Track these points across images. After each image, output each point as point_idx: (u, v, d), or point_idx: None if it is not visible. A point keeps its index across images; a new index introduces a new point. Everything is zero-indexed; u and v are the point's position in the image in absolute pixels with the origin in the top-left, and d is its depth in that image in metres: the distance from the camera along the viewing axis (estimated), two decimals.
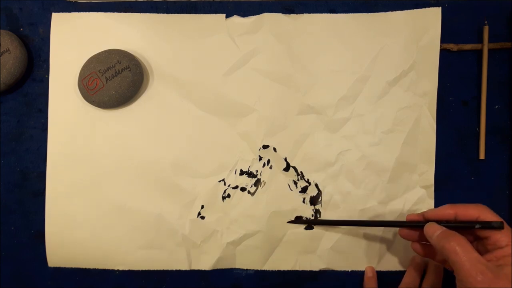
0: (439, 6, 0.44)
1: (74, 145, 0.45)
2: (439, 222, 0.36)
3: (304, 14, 0.45)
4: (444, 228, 0.35)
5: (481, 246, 0.35)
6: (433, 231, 0.35)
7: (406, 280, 0.43)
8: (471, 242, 0.35)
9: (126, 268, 0.46)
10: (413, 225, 0.39)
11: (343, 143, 0.45)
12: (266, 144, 0.45)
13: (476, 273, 0.31)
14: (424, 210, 0.44)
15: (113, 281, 0.46)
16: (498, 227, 0.33)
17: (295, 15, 0.45)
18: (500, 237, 0.33)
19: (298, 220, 0.45)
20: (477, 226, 0.34)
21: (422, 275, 0.43)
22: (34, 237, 0.46)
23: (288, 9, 0.46)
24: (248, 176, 0.45)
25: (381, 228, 0.45)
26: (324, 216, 0.45)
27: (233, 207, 0.45)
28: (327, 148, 0.45)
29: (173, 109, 0.45)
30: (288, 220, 0.45)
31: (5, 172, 0.46)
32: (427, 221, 0.38)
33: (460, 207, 0.36)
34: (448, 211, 0.36)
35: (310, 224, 0.45)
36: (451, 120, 0.45)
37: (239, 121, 0.45)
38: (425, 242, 0.39)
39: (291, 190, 0.45)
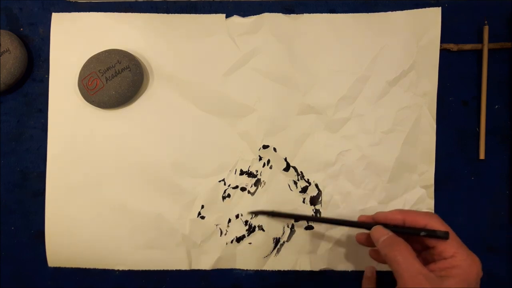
0: (439, 6, 0.44)
1: (74, 145, 0.45)
2: (387, 226, 0.36)
3: (304, 14, 0.45)
4: (391, 233, 0.35)
5: (428, 255, 0.35)
6: (379, 235, 0.35)
7: None
8: (419, 251, 0.35)
9: (126, 268, 0.46)
10: (362, 226, 0.38)
11: (343, 143, 0.45)
12: (266, 144, 0.45)
13: (414, 284, 0.31)
14: (425, 210, 0.45)
15: (113, 281, 0.46)
16: (443, 236, 0.33)
17: (295, 15, 0.45)
18: (445, 247, 0.33)
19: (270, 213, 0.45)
20: (422, 233, 0.34)
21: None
22: (34, 237, 0.46)
23: (288, 9, 0.46)
24: (248, 176, 0.45)
25: None
26: (325, 216, 0.45)
27: (233, 207, 0.45)
28: (327, 148, 0.45)
29: (173, 109, 0.45)
30: (288, 219, 0.45)
31: (5, 172, 0.46)
32: (375, 223, 0.37)
33: (410, 214, 0.35)
34: (397, 216, 0.36)
35: (273, 216, 0.45)
36: (451, 120, 0.45)
37: (239, 121, 0.45)
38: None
39: (291, 190, 0.45)
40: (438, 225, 0.34)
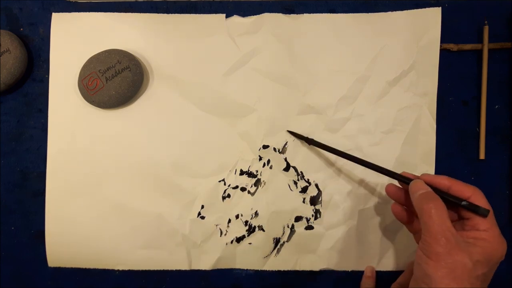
0: (439, 6, 0.44)
1: (74, 145, 0.45)
2: (431, 188, 0.35)
3: (304, 14, 0.45)
4: (429, 189, 0.34)
5: (459, 226, 0.35)
6: (417, 188, 0.35)
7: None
8: (454, 221, 0.35)
9: (126, 268, 0.46)
10: (404, 179, 0.37)
11: (343, 143, 0.45)
12: (266, 144, 0.45)
13: (440, 237, 0.31)
14: None
15: (113, 281, 0.46)
16: (483, 213, 0.33)
17: (295, 15, 0.45)
18: (481, 221, 0.33)
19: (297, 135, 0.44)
20: (463, 203, 0.33)
21: None
22: (34, 237, 0.46)
23: (288, 9, 0.46)
24: (248, 176, 0.45)
25: (381, 228, 0.45)
26: (325, 216, 0.45)
27: (233, 207, 0.45)
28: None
29: (173, 109, 0.45)
30: (288, 220, 0.45)
31: (5, 172, 0.46)
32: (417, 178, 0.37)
33: (457, 183, 0.35)
34: (444, 181, 0.35)
35: (308, 141, 0.44)
36: (451, 120, 0.45)
37: (239, 121, 0.45)
38: (405, 208, 0.39)
39: (291, 190, 0.45)
40: (482, 200, 0.34)
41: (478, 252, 0.31)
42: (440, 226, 0.31)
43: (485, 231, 0.33)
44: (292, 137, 0.45)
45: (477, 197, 0.34)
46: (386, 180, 0.45)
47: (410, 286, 0.33)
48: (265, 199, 0.45)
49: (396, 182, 0.39)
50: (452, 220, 0.35)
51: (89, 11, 0.46)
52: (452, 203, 0.34)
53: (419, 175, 0.37)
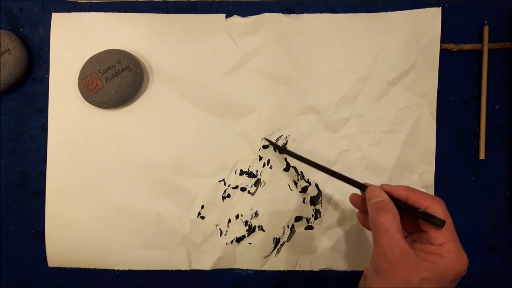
0: (439, 6, 0.44)
1: (74, 145, 0.45)
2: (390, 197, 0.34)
3: (304, 14, 0.45)
4: (385, 196, 0.33)
5: (418, 237, 0.33)
6: (372, 196, 0.33)
7: None
8: (413, 232, 0.34)
9: (126, 268, 0.46)
10: (360, 186, 0.36)
11: (343, 143, 0.45)
12: (266, 144, 0.45)
13: (387, 251, 0.30)
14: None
15: (113, 281, 0.46)
16: (438, 224, 0.31)
17: (295, 15, 0.45)
18: (437, 235, 0.31)
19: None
20: (419, 211, 0.32)
21: None
22: (34, 237, 0.46)
23: (288, 9, 0.46)
24: (248, 176, 0.45)
25: None
26: (325, 216, 0.45)
27: (233, 207, 0.45)
28: (327, 148, 0.45)
29: (173, 109, 0.45)
30: (288, 220, 0.45)
31: (5, 172, 0.46)
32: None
33: (415, 193, 0.33)
34: (402, 191, 0.34)
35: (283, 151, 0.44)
36: (451, 120, 0.45)
37: (239, 121, 0.45)
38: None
39: (291, 190, 0.45)
40: (439, 211, 0.32)
41: (427, 268, 0.30)
42: (387, 240, 0.30)
43: (440, 246, 0.31)
44: (293, 137, 0.45)
45: (435, 208, 0.32)
46: (386, 180, 0.45)
47: None
48: (265, 199, 0.45)
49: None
50: (411, 232, 0.34)
51: (89, 11, 0.46)
52: (411, 213, 0.33)
53: (380, 185, 0.35)
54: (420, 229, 0.33)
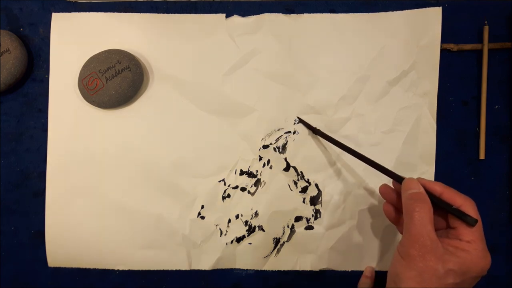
0: (439, 6, 0.44)
1: (74, 145, 0.45)
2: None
3: (304, 14, 0.45)
4: (422, 189, 0.34)
5: (445, 233, 0.35)
6: (409, 187, 0.34)
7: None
8: (441, 228, 0.35)
9: (126, 268, 0.46)
10: (395, 177, 0.37)
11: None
12: (266, 144, 0.45)
13: (417, 239, 0.31)
14: None
15: (113, 281, 0.46)
16: (470, 222, 0.32)
17: (295, 15, 0.45)
18: (467, 232, 0.32)
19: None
20: (453, 207, 0.33)
21: None
22: (34, 237, 0.46)
23: (288, 9, 0.46)
24: (248, 176, 0.45)
25: (381, 228, 0.45)
26: (325, 216, 0.45)
27: (233, 207, 0.45)
28: (327, 148, 0.45)
29: (173, 109, 0.45)
30: (288, 220, 0.45)
31: (5, 172, 0.46)
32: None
33: (449, 190, 0.34)
34: (437, 187, 0.35)
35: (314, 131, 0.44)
36: (451, 120, 0.45)
37: (239, 121, 0.45)
38: (396, 208, 0.38)
39: (291, 190, 0.45)
40: (472, 211, 0.33)
41: (454, 261, 0.31)
42: (420, 229, 0.31)
43: (468, 243, 0.32)
44: (293, 137, 0.45)
45: (468, 207, 0.33)
46: (386, 180, 0.45)
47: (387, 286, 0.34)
48: (265, 199, 0.45)
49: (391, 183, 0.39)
50: (439, 228, 0.35)
51: (89, 11, 0.46)
52: (443, 209, 0.34)
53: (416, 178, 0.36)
54: (447, 227, 0.35)
